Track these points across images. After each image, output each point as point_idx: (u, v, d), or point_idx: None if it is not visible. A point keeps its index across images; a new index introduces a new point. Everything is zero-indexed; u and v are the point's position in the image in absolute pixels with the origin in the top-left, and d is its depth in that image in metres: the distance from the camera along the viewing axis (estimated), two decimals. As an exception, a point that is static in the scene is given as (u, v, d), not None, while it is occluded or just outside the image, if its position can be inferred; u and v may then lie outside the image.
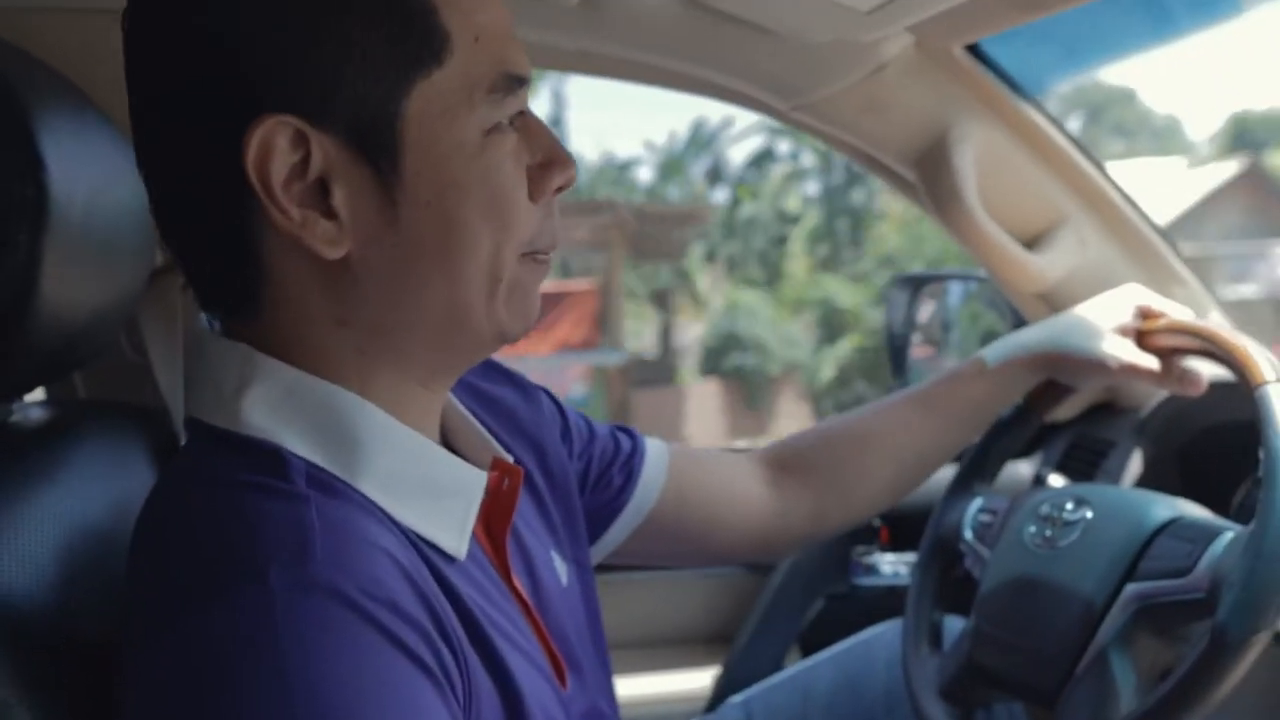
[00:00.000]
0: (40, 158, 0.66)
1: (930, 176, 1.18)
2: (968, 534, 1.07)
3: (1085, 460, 1.35)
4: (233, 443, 0.63)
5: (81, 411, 0.87)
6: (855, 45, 1.06)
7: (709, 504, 1.00)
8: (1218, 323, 1.05)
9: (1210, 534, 0.89)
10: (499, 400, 0.86)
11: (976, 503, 1.09)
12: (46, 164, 0.67)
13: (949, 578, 1.11)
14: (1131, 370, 1.02)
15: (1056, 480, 1.30)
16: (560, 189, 0.69)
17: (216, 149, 0.60)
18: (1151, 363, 1.02)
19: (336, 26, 0.59)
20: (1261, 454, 0.85)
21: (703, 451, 1.04)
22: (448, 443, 0.74)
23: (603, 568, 1.11)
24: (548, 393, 0.93)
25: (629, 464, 0.95)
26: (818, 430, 1.08)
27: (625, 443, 0.97)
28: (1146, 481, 1.26)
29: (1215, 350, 0.95)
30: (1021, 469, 1.42)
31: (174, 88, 0.61)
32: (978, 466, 1.12)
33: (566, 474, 0.88)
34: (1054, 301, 1.26)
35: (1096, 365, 1.03)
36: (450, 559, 0.66)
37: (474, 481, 0.69)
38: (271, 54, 0.59)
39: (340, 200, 0.61)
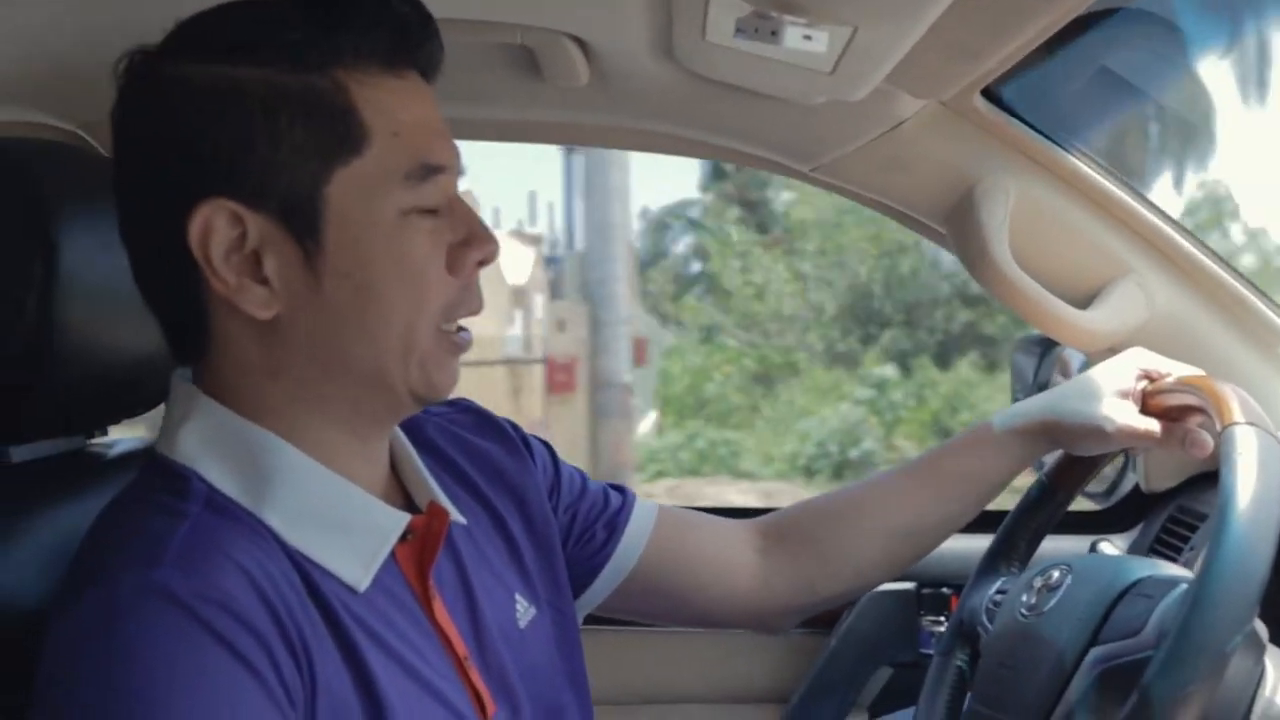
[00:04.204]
0: (48, 231, 0.83)
1: (959, 232, 1.14)
2: (983, 617, 1.02)
3: (1179, 536, 1.23)
4: (161, 467, 0.76)
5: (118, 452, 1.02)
6: (863, 105, 1.06)
7: (693, 567, 1.02)
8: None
9: (1168, 588, 0.83)
10: (484, 453, 0.94)
11: (997, 584, 1.03)
12: (58, 235, 0.83)
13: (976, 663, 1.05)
14: (1130, 434, 0.95)
15: (1109, 550, 1.19)
16: (481, 263, 0.78)
17: (168, 226, 0.73)
18: (1151, 425, 0.94)
19: (268, 125, 0.72)
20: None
21: (695, 514, 1.06)
22: (400, 485, 0.84)
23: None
24: (548, 447, 1.00)
25: (614, 521, 1.00)
26: (813, 501, 1.07)
27: (615, 500, 1.01)
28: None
29: (1199, 398, 0.87)
30: (1118, 544, 1.30)
31: (137, 173, 0.76)
32: (1003, 548, 1.05)
33: (549, 524, 0.94)
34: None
35: (1093, 430, 0.96)
36: (352, 590, 0.75)
37: (390, 523, 0.78)
38: (212, 147, 0.72)
39: (271, 270, 0.73)
